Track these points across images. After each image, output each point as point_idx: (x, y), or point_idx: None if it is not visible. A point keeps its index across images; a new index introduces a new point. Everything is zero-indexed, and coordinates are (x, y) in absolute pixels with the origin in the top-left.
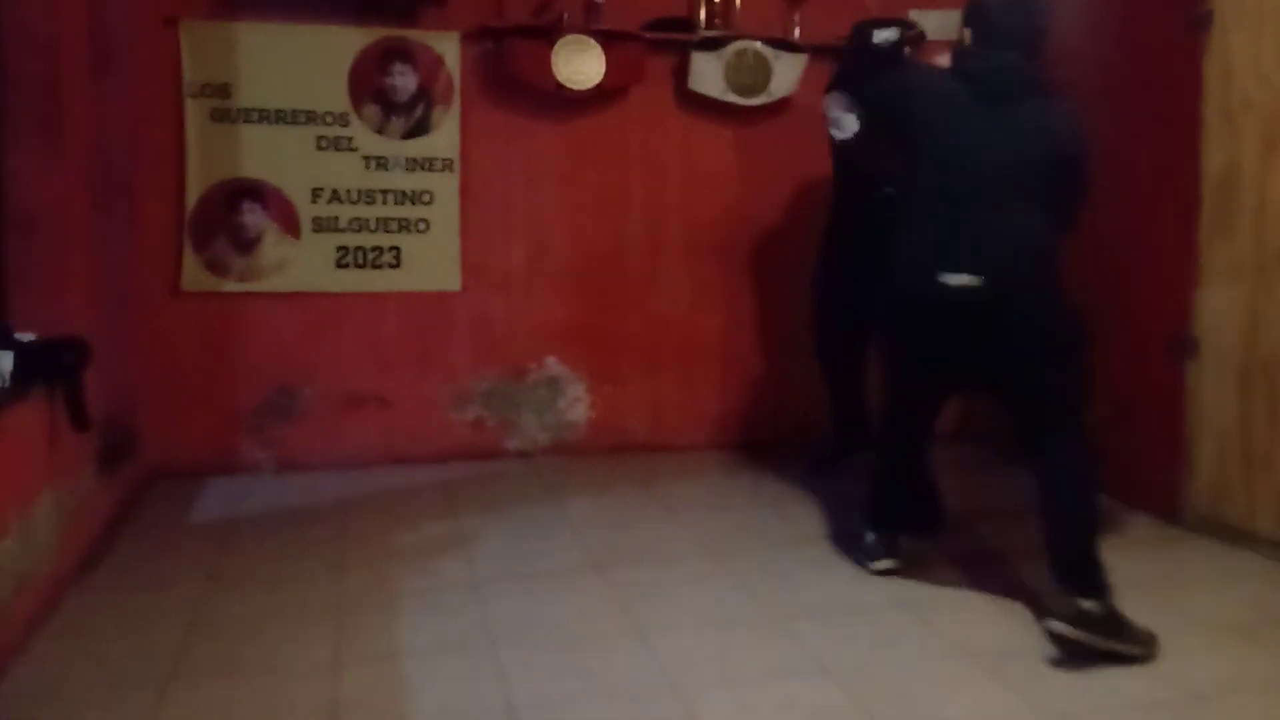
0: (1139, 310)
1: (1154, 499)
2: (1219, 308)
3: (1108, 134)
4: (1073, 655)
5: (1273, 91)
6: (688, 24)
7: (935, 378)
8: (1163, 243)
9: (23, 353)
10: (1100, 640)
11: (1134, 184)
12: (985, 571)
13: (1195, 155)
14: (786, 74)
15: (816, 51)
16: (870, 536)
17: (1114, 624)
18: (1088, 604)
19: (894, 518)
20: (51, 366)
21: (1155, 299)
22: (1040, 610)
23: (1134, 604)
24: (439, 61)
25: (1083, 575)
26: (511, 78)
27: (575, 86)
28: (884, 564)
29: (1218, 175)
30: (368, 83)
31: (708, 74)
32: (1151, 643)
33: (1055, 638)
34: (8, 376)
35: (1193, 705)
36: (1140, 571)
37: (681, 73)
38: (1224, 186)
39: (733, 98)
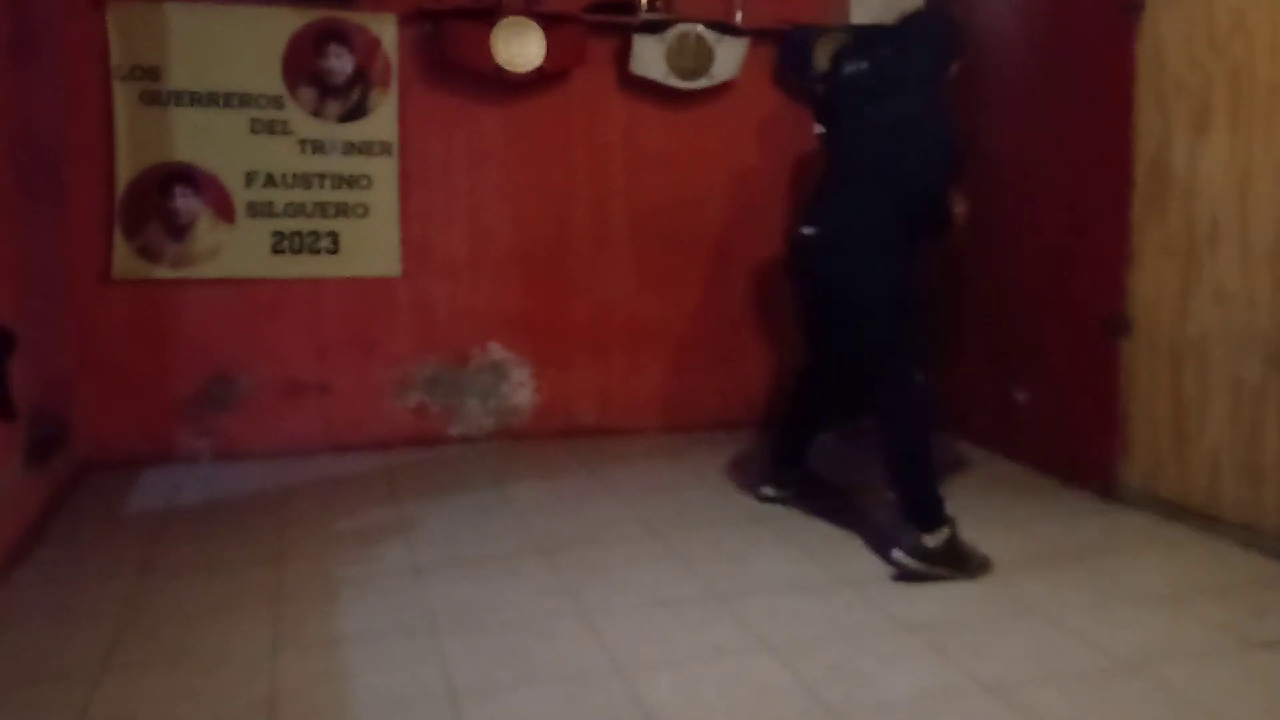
0: (1074, 290)
1: (1089, 474)
2: (1151, 287)
3: (1042, 117)
4: (908, 578)
5: (1204, 75)
6: (629, 7)
7: (807, 318)
8: (1097, 223)
9: None
10: (938, 574)
11: (1068, 166)
12: None
13: (1128, 138)
14: (728, 58)
15: (758, 35)
16: (768, 470)
17: (952, 558)
18: (929, 539)
19: (788, 455)
20: None
21: (1089, 279)
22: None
23: (1066, 575)
24: (376, 43)
25: (920, 512)
26: (451, 60)
27: (516, 69)
28: (768, 490)
29: (1150, 157)
30: (303, 65)
31: (650, 57)
32: (986, 567)
33: (896, 565)
34: None
35: (1123, 674)
36: (1074, 543)
37: (623, 56)
38: (1156, 168)
39: (675, 81)
